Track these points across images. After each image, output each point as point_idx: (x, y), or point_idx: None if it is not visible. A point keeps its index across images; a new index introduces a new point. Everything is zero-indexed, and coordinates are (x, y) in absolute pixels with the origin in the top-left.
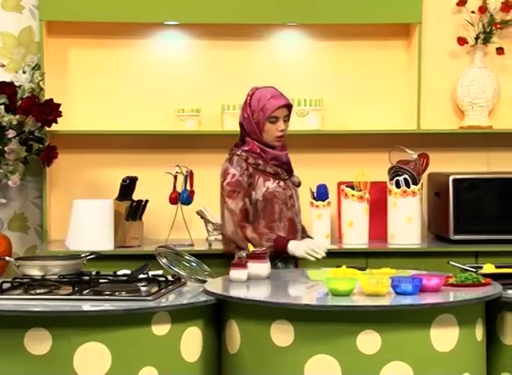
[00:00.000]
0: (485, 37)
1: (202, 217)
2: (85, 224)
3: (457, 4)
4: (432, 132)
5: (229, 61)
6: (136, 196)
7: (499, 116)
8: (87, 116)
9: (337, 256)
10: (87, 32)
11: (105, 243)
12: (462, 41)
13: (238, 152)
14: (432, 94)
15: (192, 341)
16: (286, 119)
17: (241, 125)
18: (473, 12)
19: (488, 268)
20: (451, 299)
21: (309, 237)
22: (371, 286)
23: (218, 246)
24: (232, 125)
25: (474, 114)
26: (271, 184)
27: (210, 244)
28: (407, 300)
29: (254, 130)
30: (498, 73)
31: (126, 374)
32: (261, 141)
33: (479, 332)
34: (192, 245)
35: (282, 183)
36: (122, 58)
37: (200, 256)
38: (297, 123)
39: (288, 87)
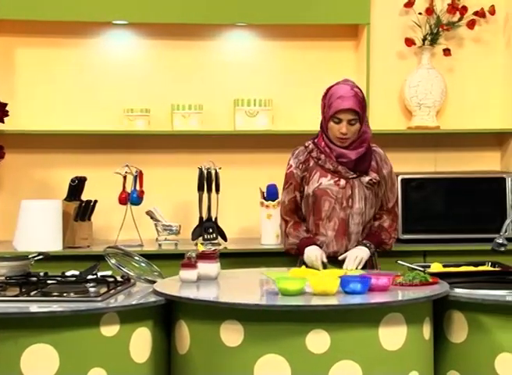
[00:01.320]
0: (432, 38)
1: (152, 217)
2: (33, 225)
3: (405, 5)
4: (380, 132)
5: (179, 61)
6: (85, 196)
7: (447, 116)
8: (35, 115)
9: (288, 256)
10: (34, 31)
11: (54, 244)
12: (409, 42)
13: (306, 144)
14: (380, 94)
15: (141, 342)
16: (354, 122)
17: None
18: (420, 13)
19: (436, 267)
20: (399, 298)
21: (364, 244)
22: (321, 285)
23: (168, 246)
24: (182, 125)
25: (422, 114)
26: (326, 181)
27: (160, 245)
28: (356, 299)
29: (323, 124)
30: (445, 73)
31: None
32: (328, 136)
33: (427, 331)
34: (142, 246)
35: (342, 182)
36: (71, 57)
37: (150, 257)
38: (247, 123)
39: (237, 87)
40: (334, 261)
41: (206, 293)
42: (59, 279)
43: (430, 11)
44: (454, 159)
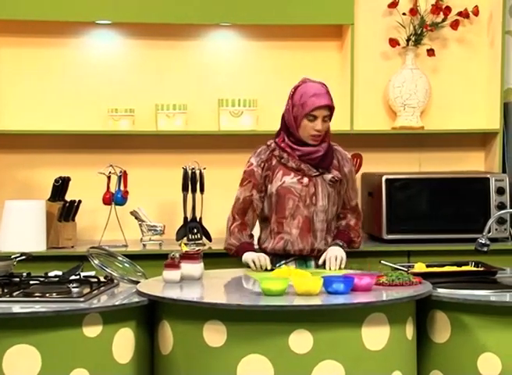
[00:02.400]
0: (416, 38)
1: (136, 217)
2: (16, 225)
3: (389, 6)
4: (364, 133)
5: (163, 61)
6: (69, 197)
7: (431, 116)
8: (19, 115)
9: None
10: (17, 30)
11: (37, 244)
12: (394, 42)
13: (268, 143)
14: (364, 95)
15: (124, 343)
16: (326, 119)
17: (282, 116)
18: (404, 14)
19: (419, 267)
20: (382, 298)
21: (338, 244)
22: (304, 285)
23: (152, 247)
24: (166, 125)
25: (406, 115)
26: (289, 179)
27: (144, 245)
28: (339, 299)
29: (291, 124)
30: (429, 74)
31: None
32: (295, 136)
33: (410, 330)
34: (126, 246)
35: (305, 180)
36: (55, 57)
37: (135, 257)
38: (232, 124)
39: (222, 87)
40: (299, 259)
41: (189, 293)
42: (42, 279)
43: (414, 11)
44: (439, 160)
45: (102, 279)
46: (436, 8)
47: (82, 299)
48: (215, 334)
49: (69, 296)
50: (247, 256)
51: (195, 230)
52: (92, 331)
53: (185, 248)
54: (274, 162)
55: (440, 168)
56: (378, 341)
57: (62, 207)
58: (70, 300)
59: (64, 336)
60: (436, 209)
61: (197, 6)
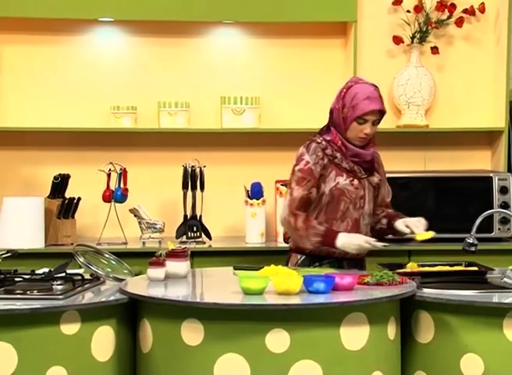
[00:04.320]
0: (421, 36)
1: (136, 215)
2: (15, 222)
3: (393, 3)
4: None
5: (165, 58)
6: (69, 194)
7: (436, 115)
8: (21, 112)
9: (272, 254)
10: (20, 28)
11: (36, 241)
12: (398, 40)
13: (318, 140)
14: None
15: (104, 341)
16: (376, 123)
17: (331, 112)
18: (408, 11)
19: (411, 267)
20: (362, 298)
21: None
22: (283, 285)
23: (152, 244)
24: (169, 123)
25: (411, 113)
26: (342, 180)
27: (144, 243)
28: (317, 299)
29: (339, 123)
30: (434, 72)
31: (33, 374)
32: (343, 135)
33: (392, 330)
34: (126, 243)
35: (355, 182)
36: (57, 54)
37: (134, 254)
38: (234, 121)
39: (224, 84)
40: (339, 260)
41: (170, 292)
42: (27, 277)
43: (419, 8)
44: (444, 158)
45: (88, 276)
46: (441, 6)
47: (61, 297)
48: (192, 333)
49: (48, 293)
50: (346, 243)
51: (195, 228)
52: (70, 329)
53: (171, 246)
54: (326, 160)
55: (446, 167)
56: (358, 341)
57: (61, 204)
58: (49, 297)
59: (41, 333)
60: (439, 208)
61: (199, 3)
